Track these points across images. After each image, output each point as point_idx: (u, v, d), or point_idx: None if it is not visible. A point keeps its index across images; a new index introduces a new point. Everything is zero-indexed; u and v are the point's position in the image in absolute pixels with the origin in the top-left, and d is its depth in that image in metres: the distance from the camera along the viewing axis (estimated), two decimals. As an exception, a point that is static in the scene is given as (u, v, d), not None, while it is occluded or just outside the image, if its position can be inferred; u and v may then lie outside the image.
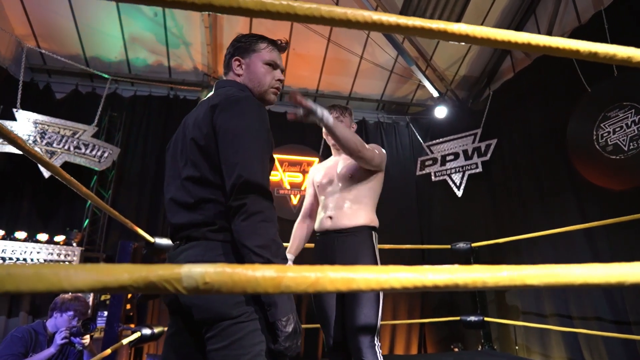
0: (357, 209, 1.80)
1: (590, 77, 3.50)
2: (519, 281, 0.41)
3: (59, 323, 2.20)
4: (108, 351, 2.08)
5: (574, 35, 3.84)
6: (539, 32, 4.59)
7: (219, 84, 1.21)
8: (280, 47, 1.25)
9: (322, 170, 2.00)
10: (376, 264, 1.74)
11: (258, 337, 0.90)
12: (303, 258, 1.84)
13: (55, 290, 0.32)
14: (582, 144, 3.52)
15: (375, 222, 1.84)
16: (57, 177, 1.33)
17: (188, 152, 1.04)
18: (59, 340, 2.09)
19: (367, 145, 1.76)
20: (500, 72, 5.26)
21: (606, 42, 3.14)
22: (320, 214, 1.91)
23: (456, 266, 0.40)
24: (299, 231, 2.01)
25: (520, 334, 4.10)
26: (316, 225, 1.94)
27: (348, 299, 1.71)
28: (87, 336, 2.16)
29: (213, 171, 1.00)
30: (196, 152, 1.02)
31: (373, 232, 1.81)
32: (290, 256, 1.93)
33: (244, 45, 1.22)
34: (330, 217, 1.84)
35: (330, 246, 1.82)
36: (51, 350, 2.08)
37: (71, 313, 2.22)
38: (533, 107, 4.24)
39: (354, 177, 1.83)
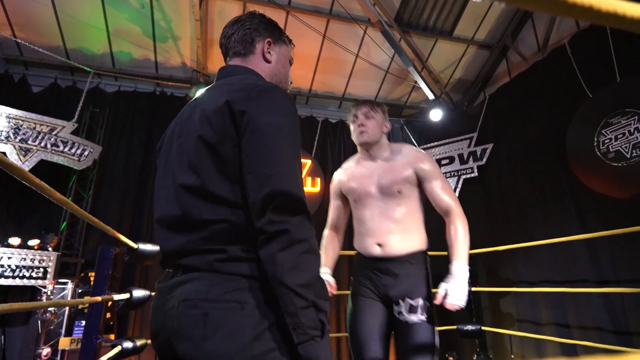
0: (408, 232, 1.56)
1: (592, 82, 3.45)
2: None
3: None
4: (85, 372, 1.87)
5: (574, 40, 3.78)
6: (536, 36, 4.54)
7: (228, 70, 0.93)
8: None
9: (353, 181, 1.70)
10: (430, 292, 1.56)
11: None
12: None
13: None
14: (582, 151, 3.46)
15: (427, 243, 1.63)
16: (24, 182, 1.13)
17: (190, 154, 0.80)
18: None
19: (452, 200, 1.59)
20: (496, 76, 5.20)
21: (608, 47, 3.01)
22: (364, 238, 1.64)
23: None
24: (330, 244, 1.79)
25: (516, 343, 4.02)
26: (359, 246, 1.69)
27: (401, 332, 1.51)
28: None
29: (223, 179, 0.76)
30: (203, 154, 0.77)
31: (427, 257, 1.61)
32: (327, 270, 1.69)
33: (273, 30, 0.98)
34: (380, 245, 1.58)
35: (380, 272, 1.59)
36: None
37: None
38: (531, 112, 4.18)
39: (402, 192, 1.57)
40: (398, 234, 1.56)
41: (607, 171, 3.22)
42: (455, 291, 1.38)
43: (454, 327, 3.80)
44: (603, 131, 3.31)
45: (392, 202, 1.58)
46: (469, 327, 3.69)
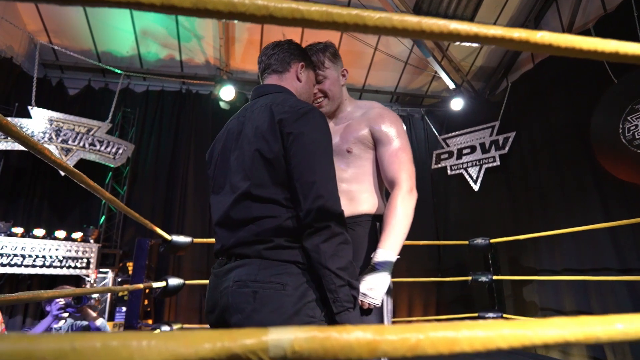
0: (353, 194, 1.31)
1: (617, 68, 3.37)
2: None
3: (53, 311, 2.28)
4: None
5: (600, 23, 3.69)
6: (561, 21, 4.43)
7: (267, 89, 1.08)
8: None
9: None
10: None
11: None
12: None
13: (126, 363, 0.28)
14: (607, 138, 3.41)
15: (380, 208, 1.32)
16: (70, 176, 1.29)
17: (246, 164, 0.96)
18: (54, 310, 2.21)
19: (401, 172, 1.28)
20: (519, 62, 5.11)
21: (635, 31, 2.94)
22: None
23: (566, 319, 0.35)
24: None
25: (539, 330, 4.04)
26: None
27: None
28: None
29: (275, 186, 0.93)
30: (260, 165, 0.94)
31: (378, 224, 1.31)
32: None
33: (305, 56, 1.16)
34: None
35: None
36: (48, 318, 2.22)
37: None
38: (554, 99, 4.11)
39: (351, 152, 1.32)
40: (344, 193, 1.27)
41: (632, 158, 3.17)
42: (368, 284, 1.11)
43: (476, 314, 3.87)
44: (629, 118, 3.25)
45: (340, 162, 1.32)
46: (491, 315, 3.74)
